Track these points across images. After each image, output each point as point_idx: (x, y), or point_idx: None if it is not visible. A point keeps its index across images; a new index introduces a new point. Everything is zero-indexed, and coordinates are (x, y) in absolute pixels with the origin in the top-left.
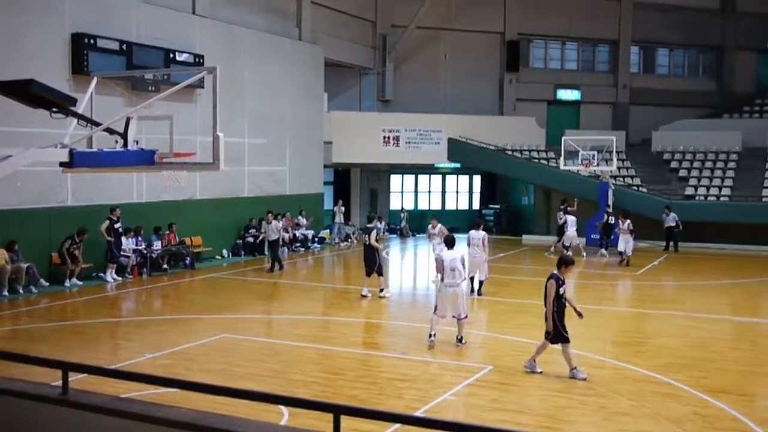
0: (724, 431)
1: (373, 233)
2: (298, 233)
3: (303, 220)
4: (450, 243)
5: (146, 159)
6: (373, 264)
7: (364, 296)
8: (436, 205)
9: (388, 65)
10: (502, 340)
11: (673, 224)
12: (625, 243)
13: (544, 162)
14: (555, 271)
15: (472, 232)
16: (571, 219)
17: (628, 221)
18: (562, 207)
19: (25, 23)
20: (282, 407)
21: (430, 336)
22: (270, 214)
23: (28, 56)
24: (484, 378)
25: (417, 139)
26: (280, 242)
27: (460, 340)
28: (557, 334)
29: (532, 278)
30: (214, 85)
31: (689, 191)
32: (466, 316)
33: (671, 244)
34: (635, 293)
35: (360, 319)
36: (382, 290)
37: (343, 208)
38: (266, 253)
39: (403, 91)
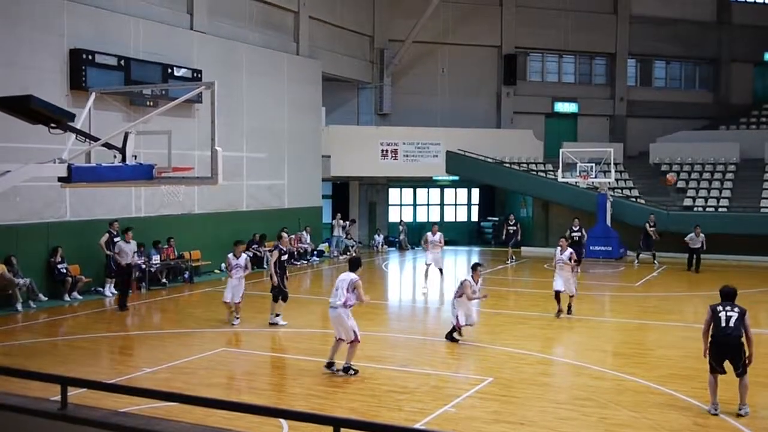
0: None
1: (274, 253)
2: (301, 247)
3: (306, 236)
4: (353, 265)
5: (145, 173)
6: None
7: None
8: (435, 218)
9: (385, 79)
10: (502, 352)
11: (699, 245)
12: (565, 282)
13: (542, 174)
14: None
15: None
16: (431, 239)
17: (570, 250)
18: (512, 222)
19: (23, 39)
20: (281, 420)
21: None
22: (129, 232)
23: (27, 72)
24: (484, 390)
25: (415, 152)
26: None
27: (345, 370)
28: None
29: (531, 290)
30: (212, 99)
31: (687, 202)
32: (354, 340)
33: (694, 264)
34: (635, 304)
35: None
36: (278, 315)
37: (341, 221)
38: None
39: (401, 105)
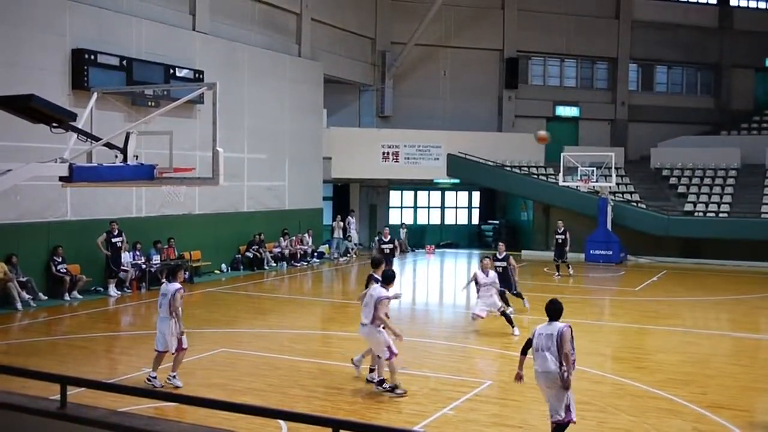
0: None
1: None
2: (301, 248)
3: (309, 239)
4: (386, 279)
5: (146, 174)
6: None
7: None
8: (436, 221)
9: (387, 82)
10: (502, 355)
11: None
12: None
13: (543, 178)
14: None
15: None
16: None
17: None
18: (386, 240)
19: (25, 39)
20: (281, 422)
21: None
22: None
23: (29, 71)
24: (483, 393)
25: (416, 155)
26: None
27: (380, 383)
28: None
29: (531, 293)
30: (213, 100)
31: (688, 207)
32: (383, 357)
33: None
34: (635, 309)
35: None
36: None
37: (342, 224)
38: None
39: (402, 108)
